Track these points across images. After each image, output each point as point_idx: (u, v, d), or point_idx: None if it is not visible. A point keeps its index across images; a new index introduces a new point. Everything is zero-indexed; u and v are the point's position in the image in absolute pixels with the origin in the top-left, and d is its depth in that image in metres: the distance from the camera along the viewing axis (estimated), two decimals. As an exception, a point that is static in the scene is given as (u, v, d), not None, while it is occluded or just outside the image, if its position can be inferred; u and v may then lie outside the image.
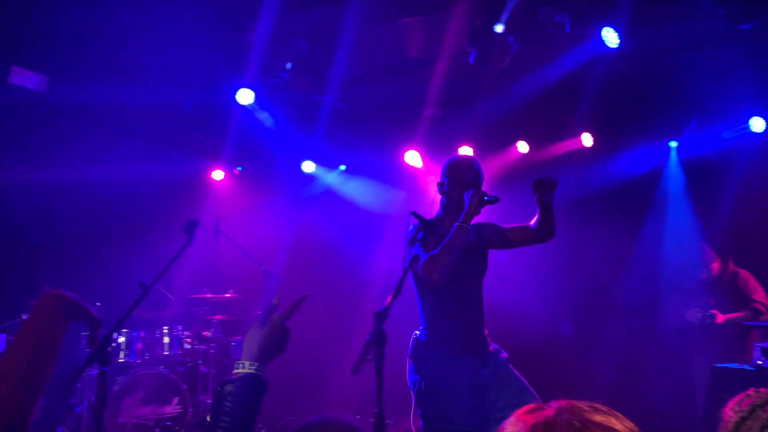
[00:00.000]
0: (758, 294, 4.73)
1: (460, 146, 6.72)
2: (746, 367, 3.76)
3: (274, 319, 1.54)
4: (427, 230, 2.86)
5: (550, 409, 0.93)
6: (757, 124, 5.33)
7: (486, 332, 3.13)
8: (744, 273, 4.87)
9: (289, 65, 5.27)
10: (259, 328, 1.51)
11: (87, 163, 5.72)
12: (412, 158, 6.82)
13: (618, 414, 0.93)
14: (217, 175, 7.32)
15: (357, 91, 6.24)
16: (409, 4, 4.95)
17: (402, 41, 5.53)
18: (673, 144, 5.95)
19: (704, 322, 4.73)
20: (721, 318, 4.71)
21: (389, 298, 2.23)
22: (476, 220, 3.07)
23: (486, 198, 2.94)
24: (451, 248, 2.83)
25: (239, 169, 7.39)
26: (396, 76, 6.00)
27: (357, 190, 7.25)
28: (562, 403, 0.93)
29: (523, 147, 6.49)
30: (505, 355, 3.11)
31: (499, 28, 4.11)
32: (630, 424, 0.93)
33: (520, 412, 0.97)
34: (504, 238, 3.20)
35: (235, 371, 1.47)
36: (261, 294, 6.15)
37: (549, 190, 2.87)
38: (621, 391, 5.31)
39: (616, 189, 5.96)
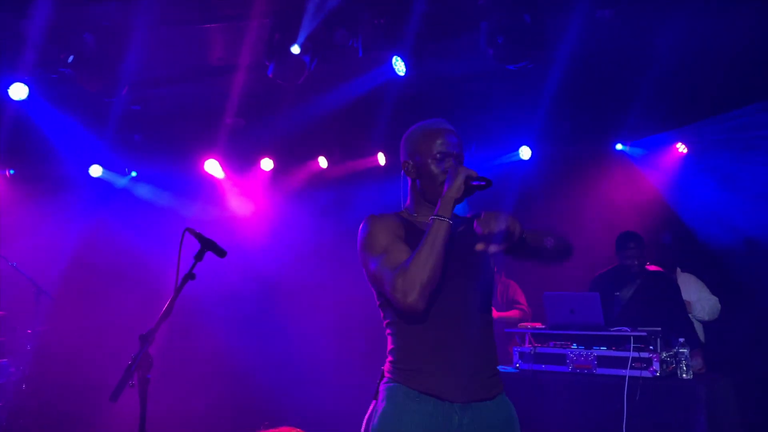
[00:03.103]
0: (521, 298, 5.40)
1: (262, 158, 6.70)
2: (507, 369, 4.21)
3: None
4: (207, 249, 2.25)
5: None
6: (524, 153, 6.03)
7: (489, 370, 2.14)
8: (513, 283, 5.51)
9: (71, 59, 4.84)
10: None
11: None
12: (212, 167, 6.63)
13: None
14: (-17, 175, 6.49)
15: (153, 94, 5.94)
16: (210, 10, 4.83)
17: (203, 46, 5.38)
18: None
19: None
20: (495, 314, 5.23)
21: (157, 320, 2.14)
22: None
23: (474, 182, 2.05)
24: (427, 257, 1.92)
25: (11, 172, 6.59)
26: (196, 81, 5.82)
27: (151, 198, 6.87)
28: None
29: (323, 162, 6.64)
30: (513, 414, 2.14)
31: (295, 50, 4.17)
32: None
33: None
34: (520, 241, 2.05)
35: None
36: (32, 312, 5.55)
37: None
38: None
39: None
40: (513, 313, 5.29)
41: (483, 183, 2.06)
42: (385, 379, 2.14)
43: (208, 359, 6.27)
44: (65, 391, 5.81)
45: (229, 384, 6.23)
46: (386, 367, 2.16)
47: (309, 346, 6.14)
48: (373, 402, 2.14)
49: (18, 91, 5.01)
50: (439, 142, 2.19)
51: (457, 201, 2.05)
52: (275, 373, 6.04)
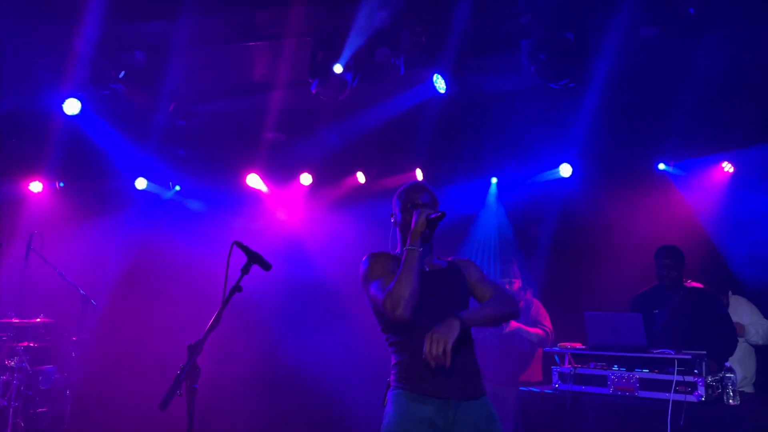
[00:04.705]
0: (546, 321, 5.30)
1: (302, 172, 6.80)
2: (547, 390, 4.15)
3: None
4: (254, 262, 2.44)
5: None
6: (564, 170, 5.98)
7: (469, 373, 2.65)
8: (537, 302, 5.40)
9: (122, 74, 5.01)
10: None
11: None
12: (254, 181, 6.76)
13: None
14: (35, 187, 6.70)
15: (198, 109, 6.10)
16: (254, 29, 4.95)
17: (246, 64, 5.51)
18: (494, 180, 6.49)
19: (500, 328, 5.09)
20: (514, 324, 5.14)
21: (205, 331, 2.19)
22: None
23: (432, 216, 2.63)
24: (406, 278, 2.51)
25: (61, 184, 6.81)
26: (239, 97, 5.95)
27: (195, 210, 7.03)
28: None
29: (361, 178, 6.70)
30: (494, 413, 2.62)
31: (337, 69, 4.25)
32: None
33: None
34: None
35: None
36: (78, 320, 5.70)
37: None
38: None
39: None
40: (536, 331, 5.19)
41: (438, 215, 2.63)
42: (391, 388, 2.64)
43: (247, 365, 6.37)
44: (108, 398, 5.94)
45: (268, 389, 6.33)
46: (391, 378, 2.67)
47: (347, 353, 6.16)
48: None
49: (72, 107, 5.20)
50: (412, 196, 2.77)
51: (424, 234, 2.63)
52: (312, 377, 6.11)
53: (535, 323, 5.25)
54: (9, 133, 5.84)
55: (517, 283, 5.38)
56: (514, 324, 5.11)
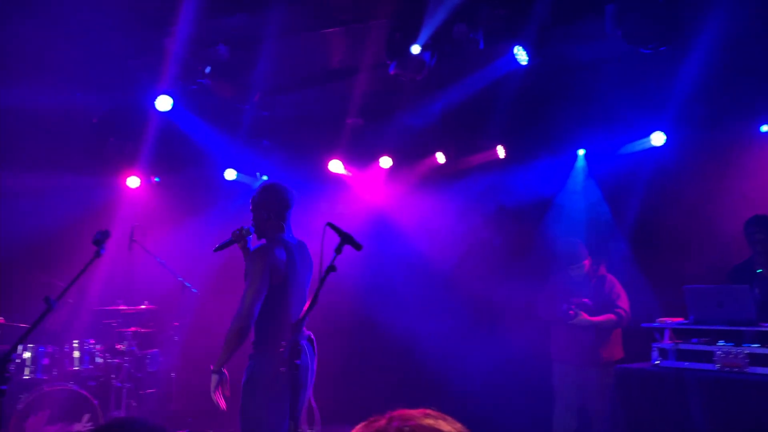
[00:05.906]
0: (622, 301, 4.99)
1: (382, 156, 6.83)
2: (646, 367, 4.00)
3: None
4: (346, 242, 2.53)
5: (383, 419, 1.00)
6: (656, 139, 5.69)
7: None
8: (611, 278, 5.12)
9: (208, 70, 5.20)
10: None
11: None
12: (336, 167, 6.86)
13: (448, 417, 1.01)
14: (133, 182, 7.07)
15: (280, 100, 6.24)
16: (332, 15, 5.00)
17: (324, 51, 5.58)
18: (581, 152, 6.24)
19: (566, 318, 4.93)
20: (584, 316, 4.93)
21: (304, 310, 2.25)
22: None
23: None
24: None
25: (157, 179, 7.17)
26: (319, 85, 6.04)
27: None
28: (395, 412, 1.00)
29: (440, 158, 6.65)
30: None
31: (415, 49, 4.22)
32: (458, 426, 1.02)
33: (358, 426, 1.04)
34: None
35: None
36: (178, 306, 6.01)
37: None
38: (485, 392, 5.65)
39: (525, 196, 6.22)
40: (607, 317, 4.95)
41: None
42: None
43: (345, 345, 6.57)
44: (209, 379, 6.23)
45: (368, 365, 6.52)
46: None
47: (439, 328, 6.18)
48: None
49: (164, 103, 5.44)
50: None
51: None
52: (416, 350, 6.19)
53: (609, 302, 5.00)
54: (108, 133, 6.19)
55: (587, 264, 5.19)
56: (584, 316, 4.92)
